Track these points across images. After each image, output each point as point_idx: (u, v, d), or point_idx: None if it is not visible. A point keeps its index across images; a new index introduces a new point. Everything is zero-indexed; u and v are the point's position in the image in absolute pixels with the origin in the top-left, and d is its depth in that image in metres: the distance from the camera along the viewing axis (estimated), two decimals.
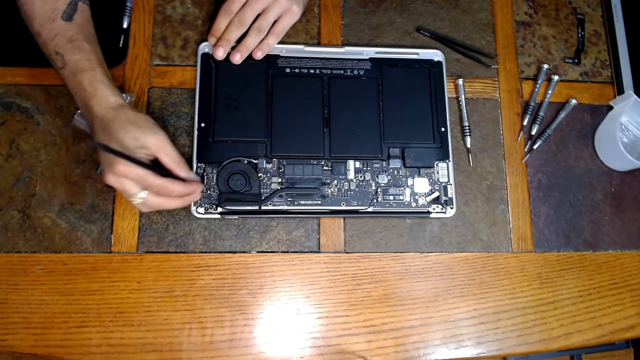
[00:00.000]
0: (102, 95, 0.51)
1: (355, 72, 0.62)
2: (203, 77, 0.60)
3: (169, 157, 0.51)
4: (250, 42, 0.60)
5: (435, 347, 0.57)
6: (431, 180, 0.60)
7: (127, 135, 0.49)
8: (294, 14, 0.61)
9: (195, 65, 0.61)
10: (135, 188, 0.49)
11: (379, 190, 0.59)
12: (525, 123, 0.64)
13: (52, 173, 0.58)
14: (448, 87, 0.64)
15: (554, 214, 0.63)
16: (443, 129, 0.62)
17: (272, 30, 0.61)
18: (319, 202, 0.58)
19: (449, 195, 0.60)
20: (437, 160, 0.61)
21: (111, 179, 0.49)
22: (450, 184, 0.60)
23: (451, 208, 0.60)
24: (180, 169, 0.52)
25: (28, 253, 0.55)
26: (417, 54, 0.64)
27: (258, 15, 0.60)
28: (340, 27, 0.65)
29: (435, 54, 0.64)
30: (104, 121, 0.50)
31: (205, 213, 0.57)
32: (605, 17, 0.70)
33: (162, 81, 0.61)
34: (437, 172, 0.61)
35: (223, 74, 0.60)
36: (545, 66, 0.66)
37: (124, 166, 0.48)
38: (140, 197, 0.50)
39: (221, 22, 0.60)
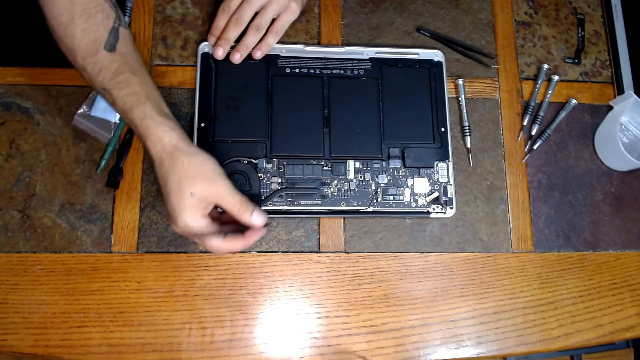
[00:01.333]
0: (154, 136, 0.47)
1: (355, 72, 0.62)
2: (203, 77, 0.60)
3: (229, 204, 0.48)
4: (249, 40, 0.60)
5: (435, 347, 0.57)
6: (431, 181, 0.60)
7: (184, 191, 0.46)
8: (293, 11, 0.60)
9: (195, 65, 0.61)
10: (202, 236, 0.48)
11: (379, 190, 0.59)
12: (525, 123, 0.64)
13: (52, 173, 0.58)
14: (448, 87, 0.64)
15: (554, 214, 0.63)
16: (443, 129, 0.62)
17: (271, 29, 0.61)
18: (319, 202, 0.58)
19: (449, 195, 0.60)
20: (437, 160, 0.61)
21: (178, 230, 0.48)
22: (450, 184, 0.60)
23: (451, 208, 0.60)
24: (243, 213, 0.49)
25: (28, 253, 0.55)
26: (417, 54, 0.64)
27: (257, 14, 0.60)
28: (340, 27, 0.65)
29: (435, 54, 0.64)
30: (161, 171, 0.47)
31: None
32: (605, 17, 0.70)
33: (162, 81, 0.61)
34: (437, 172, 0.61)
35: (223, 74, 0.60)
36: (545, 66, 0.66)
37: (191, 222, 0.47)
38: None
39: (220, 21, 0.60)
